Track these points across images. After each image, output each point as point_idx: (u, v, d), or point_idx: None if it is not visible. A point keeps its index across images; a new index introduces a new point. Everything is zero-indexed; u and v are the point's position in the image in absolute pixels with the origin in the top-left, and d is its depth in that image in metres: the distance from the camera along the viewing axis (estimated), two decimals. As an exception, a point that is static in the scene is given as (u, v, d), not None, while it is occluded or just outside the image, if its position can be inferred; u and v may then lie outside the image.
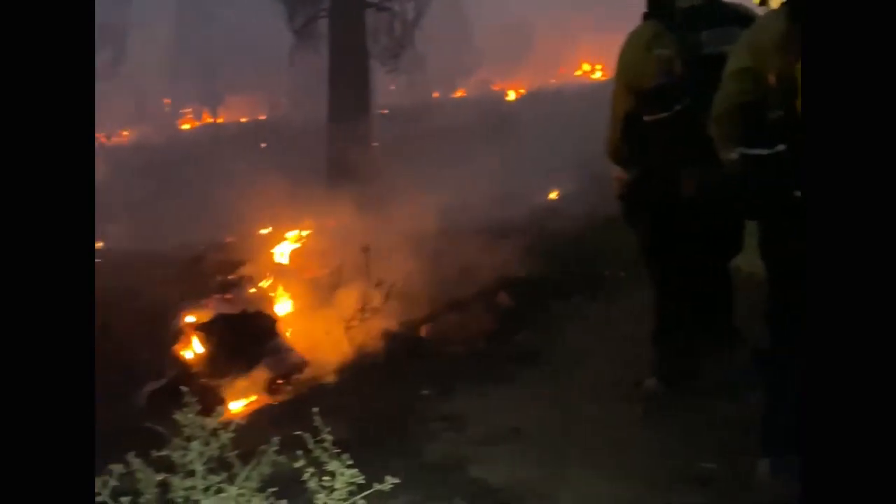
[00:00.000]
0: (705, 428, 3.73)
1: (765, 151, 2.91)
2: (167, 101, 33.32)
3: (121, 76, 25.36)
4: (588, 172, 10.91)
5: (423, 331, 6.63)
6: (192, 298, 8.19)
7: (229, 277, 8.97)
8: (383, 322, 6.61)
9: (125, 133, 27.38)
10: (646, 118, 3.85)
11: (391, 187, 10.74)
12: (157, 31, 26.92)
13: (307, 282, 7.28)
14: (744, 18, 3.61)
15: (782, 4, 2.98)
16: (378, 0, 12.34)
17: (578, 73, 36.24)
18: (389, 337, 6.38)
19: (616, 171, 4.15)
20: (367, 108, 12.30)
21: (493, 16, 30.95)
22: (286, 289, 7.26)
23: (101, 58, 24.47)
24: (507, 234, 8.71)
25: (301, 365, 6.28)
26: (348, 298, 6.64)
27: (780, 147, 2.86)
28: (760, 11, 3.36)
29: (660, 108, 3.78)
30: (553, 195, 12.42)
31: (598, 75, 34.50)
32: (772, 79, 2.90)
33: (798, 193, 2.71)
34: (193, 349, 6.43)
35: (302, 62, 13.48)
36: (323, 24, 12.31)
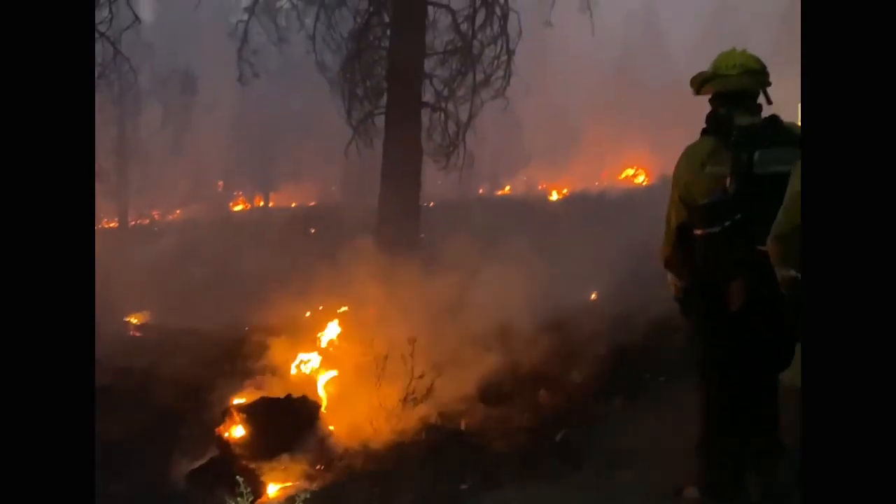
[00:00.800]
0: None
1: None
2: (220, 182, 34.32)
3: (180, 156, 26.26)
4: (627, 275, 11.02)
5: (464, 423, 6.64)
6: (236, 378, 8.36)
7: (273, 359, 9.15)
8: (425, 412, 6.65)
9: (178, 211, 28.13)
10: (697, 232, 3.92)
11: (435, 280, 10.89)
12: (220, 114, 27.94)
13: (351, 367, 7.36)
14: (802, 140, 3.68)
15: None
16: (434, 100, 12.75)
17: (622, 176, 36.63)
18: (430, 428, 6.41)
19: (671, 277, 4.20)
20: (417, 202, 12.58)
21: (542, 119, 31.62)
22: (329, 373, 7.34)
23: (164, 137, 25.54)
24: (548, 333, 8.76)
25: (342, 452, 6.29)
26: (391, 387, 6.71)
27: None
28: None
29: (711, 224, 3.82)
30: (593, 296, 12.46)
31: (640, 180, 34.98)
32: None
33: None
34: (236, 430, 6.49)
35: (355, 154, 13.88)
36: (379, 120, 12.73)
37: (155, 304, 15.00)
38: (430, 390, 6.56)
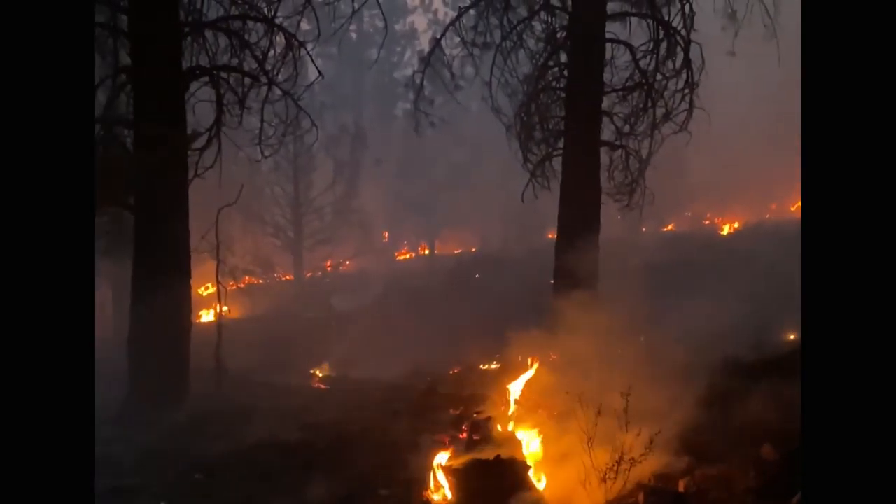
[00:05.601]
0: None
1: None
2: (385, 233, 35.26)
3: (350, 210, 27.15)
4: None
5: (682, 485, 6.11)
6: (429, 433, 8.18)
7: (465, 412, 8.92)
8: (639, 472, 6.17)
9: (347, 262, 28.98)
10: None
11: (618, 321, 10.41)
12: (386, 168, 28.80)
13: (555, 423, 6.98)
14: None
15: None
16: (613, 138, 12.41)
17: (794, 208, 34.84)
18: (649, 490, 5.92)
19: None
20: (597, 242, 12.17)
21: (709, 150, 30.47)
22: (533, 430, 6.99)
23: (336, 192, 26.50)
24: (757, 376, 8.07)
25: (555, 517, 5.92)
26: (602, 445, 6.26)
27: None
28: None
29: None
30: (791, 336, 11.61)
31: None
32: None
33: None
34: (443, 493, 6.24)
35: (515, 200, 13.69)
36: (556, 162, 12.51)
37: (335, 354, 15.29)
38: (648, 449, 6.06)
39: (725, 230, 30.53)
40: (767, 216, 32.19)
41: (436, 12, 36.42)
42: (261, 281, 24.88)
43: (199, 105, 11.37)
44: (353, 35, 25.98)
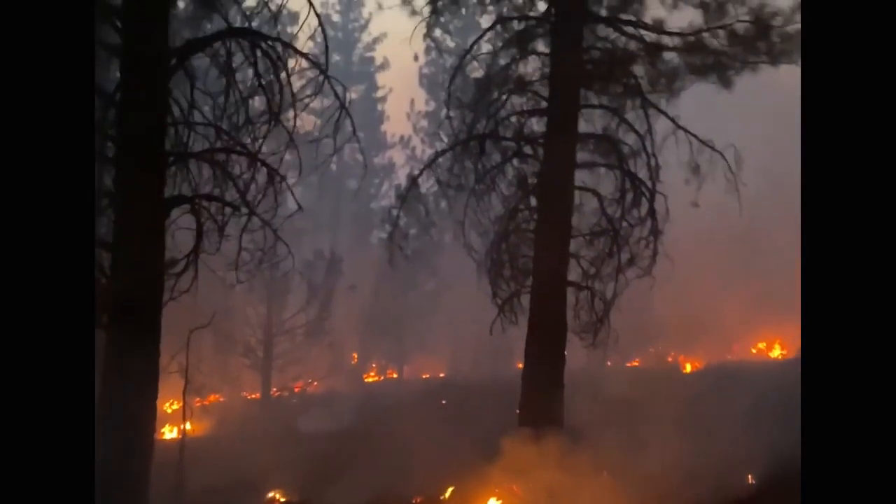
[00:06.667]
0: None
1: None
2: (355, 354, 35.33)
3: (322, 332, 27.37)
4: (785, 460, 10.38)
5: None
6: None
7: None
8: None
9: (315, 383, 28.92)
10: None
11: (580, 462, 10.60)
12: (360, 293, 29.21)
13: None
14: None
15: None
16: (579, 279, 12.96)
17: (754, 350, 35.61)
18: None
19: None
20: (561, 378, 12.55)
21: (672, 292, 31.31)
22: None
23: (309, 315, 26.78)
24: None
25: None
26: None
27: None
28: None
29: None
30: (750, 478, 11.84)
31: (776, 353, 33.73)
32: None
33: None
34: None
35: (484, 332, 14.05)
36: (524, 298, 12.98)
37: (298, 478, 15.16)
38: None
39: (688, 368, 31.03)
40: (728, 357, 32.79)
41: (413, 149, 37.90)
42: (226, 399, 24.71)
43: (179, 232, 11.57)
44: (334, 166, 26.97)
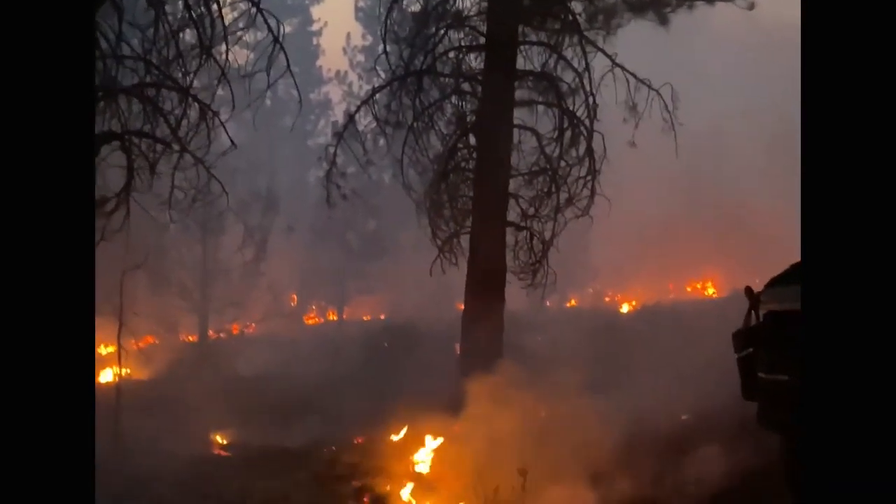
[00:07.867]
0: None
1: None
2: (294, 296, 35.12)
3: (259, 273, 27.06)
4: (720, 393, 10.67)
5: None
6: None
7: (367, 484, 9.02)
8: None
9: (253, 326, 28.69)
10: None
11: (518, 401, 10.70)
12: (298, 234, 28.82)
13: (453, 497, 7.19)
14: None
15: None
16: (519, 219, 12.94)
17: (689, 289, 36.54)
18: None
19: None
20: (501, 318, 12.59)
21: (610, 234, 31.81)
22: None
23: (245, 256, 26.39)
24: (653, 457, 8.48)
25: None
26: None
27: None
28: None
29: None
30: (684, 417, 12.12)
31: (710, 292, 34.64)
32: None
33: None
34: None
35: (425, 272, 13.99)
36: (464, 239, 12.93)
37: (238, 421, 15.05)
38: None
39: (625, 308, 31.70)
40: (668, 296, 33.54)
41: (350, 85, 37.13)
42: (163, 341, 24.35)
43: (109, 170, 11.24)
44: (268, 102, 26.25)
